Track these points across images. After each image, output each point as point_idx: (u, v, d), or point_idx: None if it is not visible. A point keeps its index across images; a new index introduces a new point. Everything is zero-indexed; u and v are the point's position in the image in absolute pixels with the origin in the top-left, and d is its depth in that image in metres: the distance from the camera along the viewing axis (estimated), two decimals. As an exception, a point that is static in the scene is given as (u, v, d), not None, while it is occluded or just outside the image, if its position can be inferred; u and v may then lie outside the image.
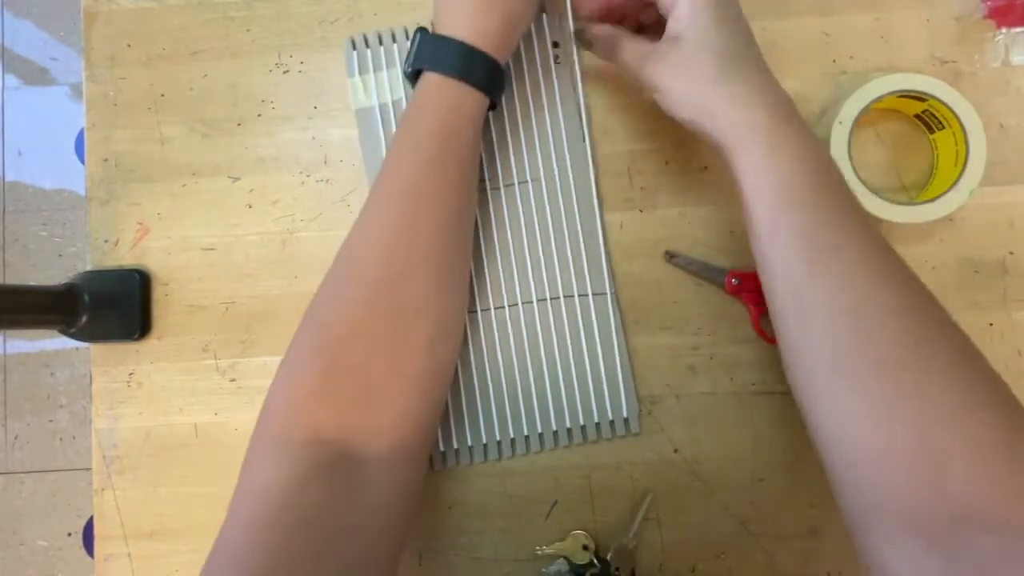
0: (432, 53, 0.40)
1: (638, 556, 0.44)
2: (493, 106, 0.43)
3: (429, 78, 0.40)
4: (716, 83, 0.37)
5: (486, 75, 0.40)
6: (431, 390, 0.39)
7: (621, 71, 0.42)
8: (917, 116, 0.46)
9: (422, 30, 0.41)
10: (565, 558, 0.43)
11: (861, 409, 0.32)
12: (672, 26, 0.38)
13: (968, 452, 0.30)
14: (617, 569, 0.42)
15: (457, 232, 0.41)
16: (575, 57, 0.47)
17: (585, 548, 0.43)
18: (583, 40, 0.44)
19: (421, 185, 0.39)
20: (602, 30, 0.43)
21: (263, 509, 0.33)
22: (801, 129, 0.36)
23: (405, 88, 0.47)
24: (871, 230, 0.35)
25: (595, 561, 0.43)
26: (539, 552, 0.44)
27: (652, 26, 0.44)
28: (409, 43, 0.41)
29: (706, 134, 0.38)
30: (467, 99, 0.40)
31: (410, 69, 0.41)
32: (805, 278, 0.34)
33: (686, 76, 0.37)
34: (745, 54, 0.38)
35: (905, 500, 0.31)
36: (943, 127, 0.44)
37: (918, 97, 0.43)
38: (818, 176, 0.36)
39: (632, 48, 0.40)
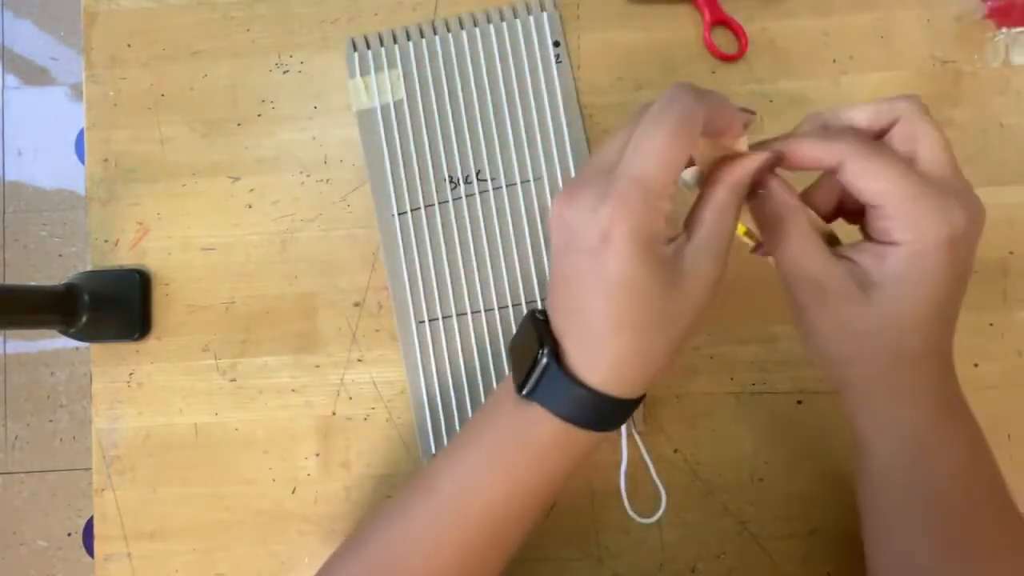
0: (561, 396, 0.31)
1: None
2: None
3: (552, 419, 0.31)
4: (889, 373, 0.31)
5: (619, 421, 0.32)
6: None
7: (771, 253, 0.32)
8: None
9: (549, 354, 0.30)
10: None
11: None
12: (875, 265, 0.29)
13: None
14: None
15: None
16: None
17: None
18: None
19: (502, 533, 0.34)
20: (780, 193, 0.31)
21: None
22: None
23: (406, 88, 0.47)
24: None
25: None
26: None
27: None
28: (529, 368, 0.31)
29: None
30: (587, 442, 0.33)
31: (525, 394, 0.31)
32: None
33: (859, 343, 0.30)
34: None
35: None
36: (943, 127, 0.44)
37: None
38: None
39: (807, 247, 0.30)
